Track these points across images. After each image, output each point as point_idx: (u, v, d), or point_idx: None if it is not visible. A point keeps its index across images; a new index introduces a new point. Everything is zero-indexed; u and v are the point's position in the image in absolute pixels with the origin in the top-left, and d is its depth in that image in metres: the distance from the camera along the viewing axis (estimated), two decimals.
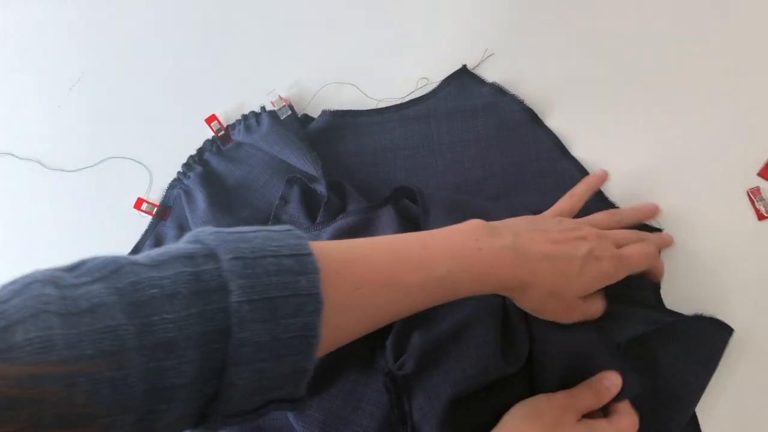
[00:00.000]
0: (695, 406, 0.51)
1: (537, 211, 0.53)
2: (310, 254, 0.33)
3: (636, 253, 0.47)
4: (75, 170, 0.64)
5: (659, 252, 0.52)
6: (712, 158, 0.57)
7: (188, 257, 0.30)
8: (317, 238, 0.53)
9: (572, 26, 0.62)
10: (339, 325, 0.35)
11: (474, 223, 0.43)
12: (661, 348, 0.51)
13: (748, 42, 0.59)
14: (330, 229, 0.52)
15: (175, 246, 0.32)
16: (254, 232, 0.33)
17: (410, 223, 0.54)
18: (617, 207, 0.57)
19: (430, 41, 0.63)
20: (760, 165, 0.56)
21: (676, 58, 0.60)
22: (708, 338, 0.51)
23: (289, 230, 0.34)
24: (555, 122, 0.60)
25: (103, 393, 0.26)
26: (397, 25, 0.64)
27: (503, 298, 0.48)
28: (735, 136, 0.57)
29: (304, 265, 0.32)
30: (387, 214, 0.54)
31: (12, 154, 0.65)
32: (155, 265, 0.30)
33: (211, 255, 0.31)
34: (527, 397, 0.46)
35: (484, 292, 0.42)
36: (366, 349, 0.50)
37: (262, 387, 0.31)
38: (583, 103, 0.60)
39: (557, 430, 0.43)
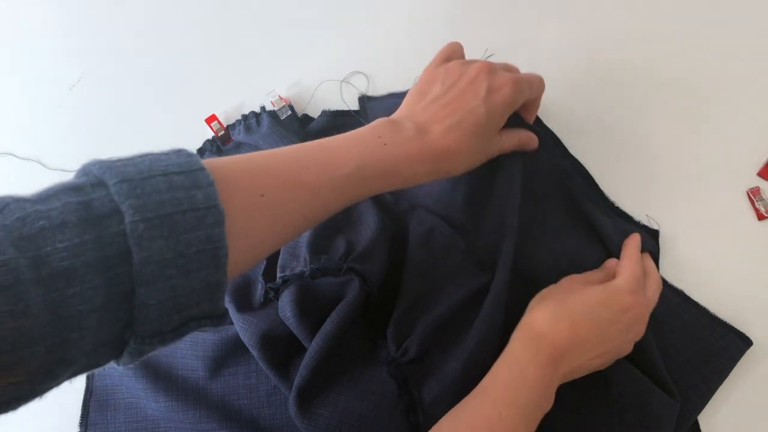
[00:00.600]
0: (700, 412, 0.51)
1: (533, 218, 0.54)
2: (202, 169, 0.32)
3: (532, 74, 0.48)
4: (75, 170, 0.64)
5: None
6: (712, 158, 0.57)
7: (76, 189, 0.30)
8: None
9: (572, 26, 0.62)
10: (248, 234, 0.35)
11: (377, 122, 0.43)
12: (676, 348, 0.51)
13: (748, 42, 0.59)
14: None
15: (63, 181, 0.31)
16: (141, 156, 0.33)
17: (385, 209, 0.56)
18: (617, 207, 0.57)
19: (430, 41, 0.63)
20: (760, 165, 0.56)
21: (677, 58, 0.60)
22: (725, 347, 0.51)
23: (178, 150, 0.34)
24: (554, 122, 0.60)
25: (5, 327, 0.26)
26: (397, 25, 0.64)
27: (492, 276, 0.49)
28: (735, 136, 0.57)
29: (197, 180, 0.32)
30: (364, 204, 0.55)
31: (12, 154, 0.65)
32: (42, 199, 0.29)
33: (99, 183, 0.31)
34: None
35: (403, 185, 0.42)
36: (367, 341, 0.51)
37: (177, 304, 0.31)
38: (583, 103, 0.60)
39: (569, 294, 0.46)
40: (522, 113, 0.50)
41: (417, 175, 0.42)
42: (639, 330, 0.47)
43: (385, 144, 0.41)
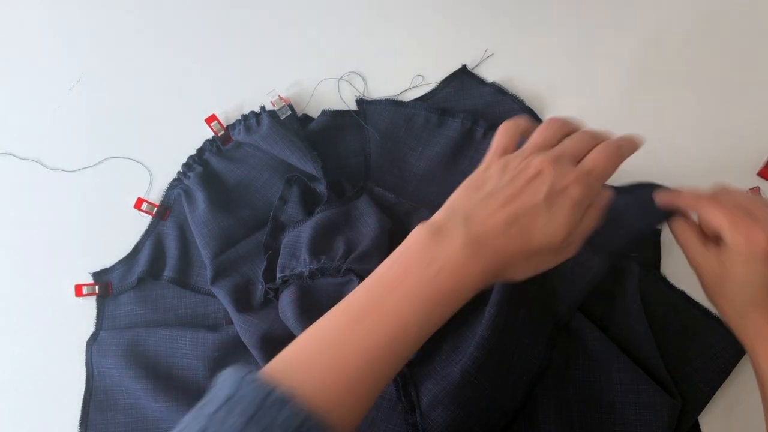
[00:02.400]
0: (700, 412, 0.51)
1: None
2: (308, 418, 0.31)
3: (600, 159, 0.40)
4: (75, 170, 0.64)
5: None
6: (712, 158, 0.57)
7: None
8: (300, 234, 0.53)
9: (572, 26, 0.62)
10: (360, 415, 0.35)
11: (418, 240, 0.38)
12: (676, 348, 0.52)
13: (748, 42, 0.59)
14: (310, 223, 0.53)
15: None
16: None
17: (386, 210, 0.55)
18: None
19: (430, 41, 0.63)
20: (760, 165, 0.56)
21: (677, 58, 0.60)
22: (726, 348, 0.51)
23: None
24: None
25: None
26: (397, 25, 0.64)
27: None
28: (735, 136, 0.57)
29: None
30: (364, 204, 0.55)
31: (12, 154, 0.65)
32: None
33: None
34: (534, 365, 0.48)
35: (467, 299, 0.37)
36: None
37: None
38: (583, 103, 0.60)
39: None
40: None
41: (481, 286, 0.37)
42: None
43: (439, 270, 0.36)
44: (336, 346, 0.35)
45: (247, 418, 0.31)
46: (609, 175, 0.41)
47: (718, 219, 0.41)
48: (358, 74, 0.63)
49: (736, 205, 0.42)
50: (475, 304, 0.49)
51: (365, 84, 0.63)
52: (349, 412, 0.34)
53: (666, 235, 0.55)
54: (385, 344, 0.35)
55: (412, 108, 0.59)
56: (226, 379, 0.34)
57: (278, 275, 0.53)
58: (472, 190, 0.40)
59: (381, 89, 0.62)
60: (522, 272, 0.40)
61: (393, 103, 0.60)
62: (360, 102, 0.61)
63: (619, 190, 0.42)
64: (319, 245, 0.52)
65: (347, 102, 0.62)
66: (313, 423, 0.31)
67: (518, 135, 0.43)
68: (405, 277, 0.37)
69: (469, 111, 0.60)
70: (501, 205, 0.38)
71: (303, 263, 0.52)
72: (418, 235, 0.38)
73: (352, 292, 0.38)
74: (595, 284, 0.51)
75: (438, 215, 0.39)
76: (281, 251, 0.54)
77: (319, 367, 0.34)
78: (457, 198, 0.40)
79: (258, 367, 0.52)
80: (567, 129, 0.43)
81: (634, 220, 0.46)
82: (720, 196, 0.43)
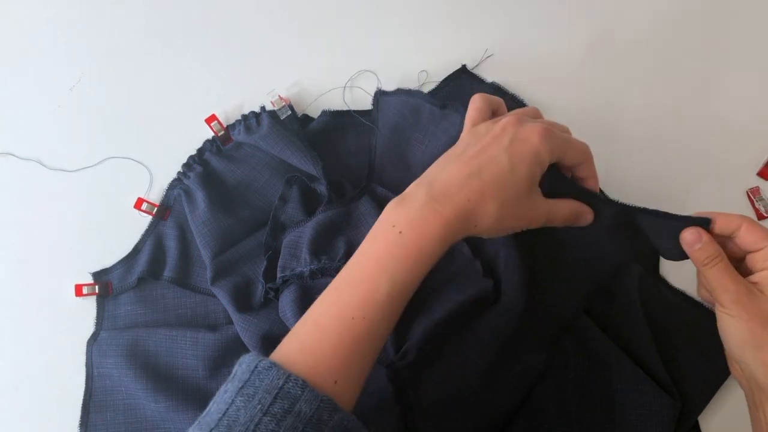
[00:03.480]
0: (700, 412, 0.51)
1: None
2: (326, 399, 0.35)
3: (559, 124, 0.43)
4: (75, 170, 0.64)
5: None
6: (712, 158, 0.57)
7: None
8: (301, 234, 0.53)
9: (572, 26, 0.62)
10: (349, 385, 0.38)
11: (386, 210, 0.41)
12: (677, 348, 0.52)
13: (749, 42, 0.59)
14: (312, 223, 0.53)
15: None
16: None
17: None
18: None
19: (430, 41, 0.63)
20: (760, 165, 0.56)
21: (677, 58, 0.60)
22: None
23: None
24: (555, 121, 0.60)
25: None
26: (397, 26, 0.64)
27: (495, 282, 0.49)
28: (735, 136, 0.57)
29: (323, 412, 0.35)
30: (366, 204, 0.54)
31: (12, 154, 0.65)
32: None
33: None
34: (535, 370, 0.48)
35: (437, 254, 0.39)
36: None
37: None
38: (583, 103, 0.60)
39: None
40: (581, 181, 0.45)
41: (447, 239, 0.39)
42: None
43: (400, 232, 0.39)
44: (321, 317, 0.38)
45: (237, 389, 0.35)
46: (576, 145, 0.42)
47: None
48: (359, 73, 0.63)
49: None
50: (479, 309, 0.49)
51: (369, 79, 0.63)
52: (330, 373, 0.36)
53: None
54: (357, 307, 0.37)
55: (419, 98, 0.58)
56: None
57: (279, 275, 0.53)
58: (444, 159, 0.43)
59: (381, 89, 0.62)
60: (488, 227, 0.40)
61: (406, 93, 0.59)
62: (377, 94, 0.60)
63: (649, 212, 0.42)
64: (320, 245, 0.52)
65: (347, 103, 0.62)
66: (293, 381, 0.34)
67: (488, 108, 0.46)
68: (372, 243, 0.40)
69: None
70: (466, 161, 0.40)
71: (304, 263, 0.52)
72: (386, 207, 0.41)
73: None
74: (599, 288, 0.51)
75: (408, 187, 0.42)
76: (282, 251, 0.54)
77: (302, 336, 0.38)
78: (430, 168, 0.43)
79: None
80: (535, 114, 0.46)
81: (651, 239, 0.45)
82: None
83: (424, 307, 0.49)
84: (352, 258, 0.40)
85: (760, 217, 0.55)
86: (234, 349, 0.56)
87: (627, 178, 0.58)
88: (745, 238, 0.38)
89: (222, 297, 0.56)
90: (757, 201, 0.55)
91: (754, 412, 0.40)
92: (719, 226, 0.39)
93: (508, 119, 0.42)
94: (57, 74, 0.67)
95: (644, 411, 0.48)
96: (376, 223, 0.41)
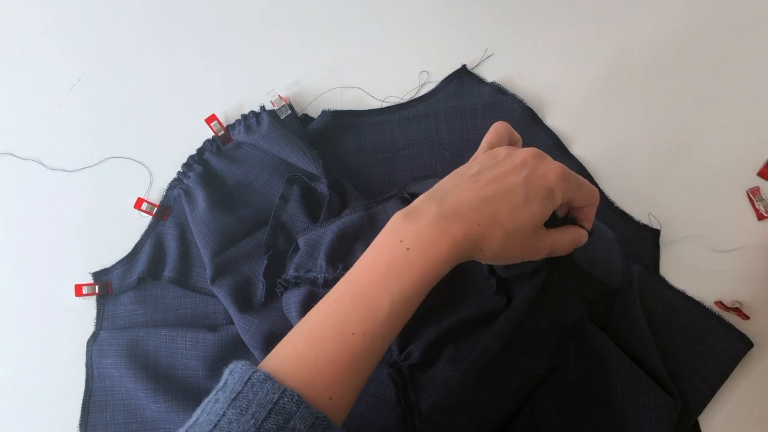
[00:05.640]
0: (700, 412, 0.51)
1: None
2: (285, 392, 0.34)
3: (585, 181, 0.44)
4: (75, 170, 0.64)
5: None
6: (712, 158, 0.57)
7: None
8: (322, 236, 0.53)
9: (572, 26, 0.62)
10: (343, 402, 0.37)
11: (391, 223, 0.40)
12: (677, 348, 0.51)
13: (748, 42, 0.59)
14: (334, 227, 0.52)
15: None
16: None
17: None
18: (617, 206, 0.57)
19: (430, 41, 0.63)
20: (760, 165, 0.56)
21: (677, 58, 0.60)
22: (727, 348, 0.51)
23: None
24: (554, 121, 0.60)
25: None
26: (398, 25, 0.64)
27: (508, 301, 0.49)
28: (735, 136, 0.57)
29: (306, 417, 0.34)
30: (393, 208, 0.53)
31: (12, 154, 0.65)
32: None
33: None
34: (536, 374, 0.48)
35: (440, 274, 0.39)
36: None
37: None
38: (583, 103, 0.60)
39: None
40: (578, 220, 0.46)
41: (452, 261, 0.39)
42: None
43: (408, 249, 0.38)
44: (319, 328, 0.37)
45: (230, 400, 0.34)
46: (586, 189, 0.43)
47: None
48: (359, 73, 0.63)
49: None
50: (488, 321, 0.49)
51: (369, 79, 0.63)
52: (326, 389, 0.36)
53: (666, 235, 0.55)
54: (357, 323, 0.37)
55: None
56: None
57: (292, 272, 0.52)
58: (456, 176, 0.43)
59: (381, 90, 0.62)
60: (493, 254, 0.40)
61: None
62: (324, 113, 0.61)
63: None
64: (339, 251, 0.51)
65: (347, 102, 0.63)
66: (289, 396, 0.34)
67: (508, 137, 0.46)
68: (376, 256, 0.39)
69: (468, 111, 0.60)
70: (482, 185, 0.40)
71: (319, 269, 0.51)
72: (392, 219, 0.40)
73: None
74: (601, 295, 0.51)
75: (416, 200, 0.41)
76: (301, 247, 0.53)
77: (298, 347, 0.37)
78: (441, 183, 0.43)
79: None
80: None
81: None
82: None
83: (435, 315, 0.49)
84: (353, 268, 0.39)
85: (761, 217, 0.55)
86: (234, 349, 0.56)
87: (626, 177, 0.58)
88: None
89: (222, 297, 0.56)
90: (757, 201, 0.55)
91: None
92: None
93: (530, 152, 0.42)
94: (57, 74, 0.67)
95: (644, 411, 0.48)
96: (381, 234, 0.40)
